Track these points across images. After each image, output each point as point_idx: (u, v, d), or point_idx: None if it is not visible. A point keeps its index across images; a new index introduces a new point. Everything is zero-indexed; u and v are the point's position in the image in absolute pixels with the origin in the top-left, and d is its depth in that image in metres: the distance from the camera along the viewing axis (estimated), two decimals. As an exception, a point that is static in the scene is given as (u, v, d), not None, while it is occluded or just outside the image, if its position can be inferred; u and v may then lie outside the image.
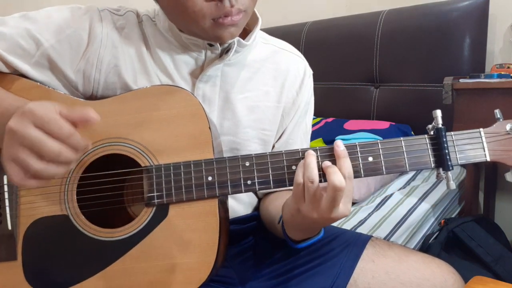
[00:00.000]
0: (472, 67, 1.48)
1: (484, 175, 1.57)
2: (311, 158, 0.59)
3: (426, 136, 0.61)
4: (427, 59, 1.56)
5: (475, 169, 1.45)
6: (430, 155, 0.61)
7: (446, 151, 0.60)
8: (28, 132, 0.49)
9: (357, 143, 0.62)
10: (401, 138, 0.61)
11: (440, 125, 0.60)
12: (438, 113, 0.61)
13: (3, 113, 0.58)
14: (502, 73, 1.31)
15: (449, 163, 0.60)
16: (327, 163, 0.60)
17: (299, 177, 0.59)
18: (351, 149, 0.61)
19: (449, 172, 0.60)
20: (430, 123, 0.62)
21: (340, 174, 0.57)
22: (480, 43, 1.51)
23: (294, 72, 0.81)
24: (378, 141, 0.62)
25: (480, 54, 1.52)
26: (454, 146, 0.61)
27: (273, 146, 0.82)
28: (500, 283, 0.67)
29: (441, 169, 0.61)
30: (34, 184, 0.52)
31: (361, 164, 0.61)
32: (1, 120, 0.57)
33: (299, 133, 0.83)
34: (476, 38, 1.49)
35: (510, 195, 1.62)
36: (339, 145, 0.60)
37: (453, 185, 0.60)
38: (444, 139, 0.60)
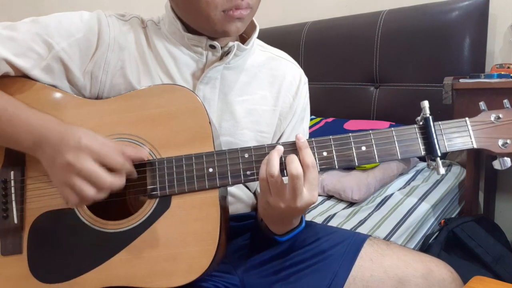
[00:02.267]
0: (472, 67, 1.48)
1: (484, 175, 1.57)
2: (273, 154, 0.62)
3: (415, 126, 0.64)
4: (427, 59, 1.56)
5: (475, 169, 1.45)
6: (420, 143, 0.64)
7: (435, 138, 0.63)
8: (86, 166, 0.59)
9: (350, 134, 0.65)
10: (392, 128, 0.64)
11: (428, 115, 0.63)
12: (426, 103, 0.64)
13: (32, 131, 0.64)
14: (502, 73, 1.31)
15: (437, 150, 0.63)
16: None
17: (262, 172, 0.62)
18: (345, 140, 0.64)
19: (438, 159, 0.63)
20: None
21: (297, 163, 0.61)
22: (480, 43, 1.51)
23: (290, 79, 0.83)
24: (370, 131, 0.64)
25: (480, 54, 1.52)
26: (442, 134, 0.63)
27: None
28: (500, 283, 0.67)
29: (430, 157, 0.64)
30: (85, 204, 0.63)
31: (354, 153, 0.64)
32: (31, 138, 0.64)
33: None
34: (476, 38, 1.49)
35: (510, 195, 1.62)
36: (299, 138, 0.63)
37: (442, 171, 0.63)
38: (432, 128, 0.63)
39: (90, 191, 0.59)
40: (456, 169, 1.56)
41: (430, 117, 0.63)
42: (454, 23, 1.50)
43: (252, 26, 0.78)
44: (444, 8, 1.53)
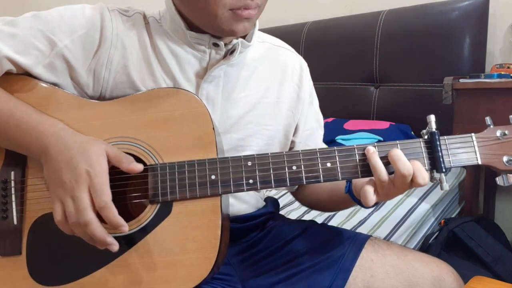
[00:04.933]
0: (472, 67, 1.48)
1: (484, 175, 1.57)
2: (375, 159, 0.61)
3: (420, 140, 0.64)
4: (427, 59, 1.56)
5: (475, 169, 1.45)
6: (425, 158, 0.63)
7: (440, 154, 0.62)
8: (80, 195, 0.59)
9: (355, 146, 0.64)
10: (397, 142, 0.63)
11: (434, 129, 0.62)
12: (432, 118, 0.63)
13: (39, 138, 0.63)
14: (502, 73, 1.31)
15: (442, 165, 0.62)
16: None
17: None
18: (348, 152, 0.63)
19: (442, 174, 0.62)
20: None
21: (405, 161, 0.60)
22: (480, 43, 1.51)
23: (291, 68, 0.83)
24: (375, 143, 0.63)
25: (480, 54, 1.52)
26: (447, 149, 0.63)
27: (293, 141, 0.85)
28: (500, 283, 0.67)
29: (435, 171, 0.63)
30: (68, 232, 0.61)
31: (358, 166, 0.63)
32: (37, 144, 0.63)
33: (311, 121, 0.87)
34: (476, 38, 1.49)
35: (510, 195, 1.62)
36: (395, 151, 0.62)
37: (446, 186, 0.62)
38: (438, 143, 0.62)
39: (73, 219, 0.59)
40: (456, 169, 1.56)
41: (436, 132, 0.62)
42: (454, 23, 1.50)
43: None
44: (444, 8, 1.53)
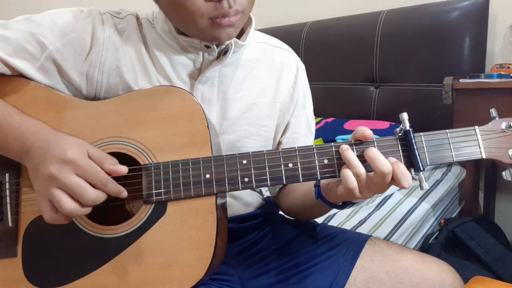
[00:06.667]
0: (472, 67, 1.48)
1: (484, 175, 1.57)
2: (350, 155, 0.59)
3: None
4: (427, 59, 1.56)
5: (475, 169, 1.45)
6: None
7: (416, 152, 0.59)
8: (70, 180, 0.57)
9: (353, 141, 0.62)
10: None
11: (407, 127, 0.60)
12: (405, 116, 0.61)
13: (21, 139, 0.63)
14: (502, 73, 1.31)
15: (419, 164, 0.59)
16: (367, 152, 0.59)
17: (348, 174, 0.59)
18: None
19: (421, 173, 0.60)
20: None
21: (384, 160, 0.58)
22: (480, 43, 1.51)
23: (288, 68, 0.83)
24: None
25: (480, 54, 1.52)
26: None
27: (279, 142, 0.84)
28: (500, 283, 0.67)
29: (412, 170, 0.60)
30: (62, 221, 0.60)
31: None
32: (19, 145, 0.63)
33: (302, 126, 0.85)
34: (476, 38, 1.49)
35: (510, 195, 1.62)
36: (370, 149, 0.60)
37: (426, 186, 0.59)
38: (413, 141, 0.60)
39: (70, 205, 0.57)
40: (456, 169, 1.56)
41: (410, 130, 0.60)
42: (454, 23, 1.49)
43: (247, 19, 0.75)
44: (444, 8, 1.53)
